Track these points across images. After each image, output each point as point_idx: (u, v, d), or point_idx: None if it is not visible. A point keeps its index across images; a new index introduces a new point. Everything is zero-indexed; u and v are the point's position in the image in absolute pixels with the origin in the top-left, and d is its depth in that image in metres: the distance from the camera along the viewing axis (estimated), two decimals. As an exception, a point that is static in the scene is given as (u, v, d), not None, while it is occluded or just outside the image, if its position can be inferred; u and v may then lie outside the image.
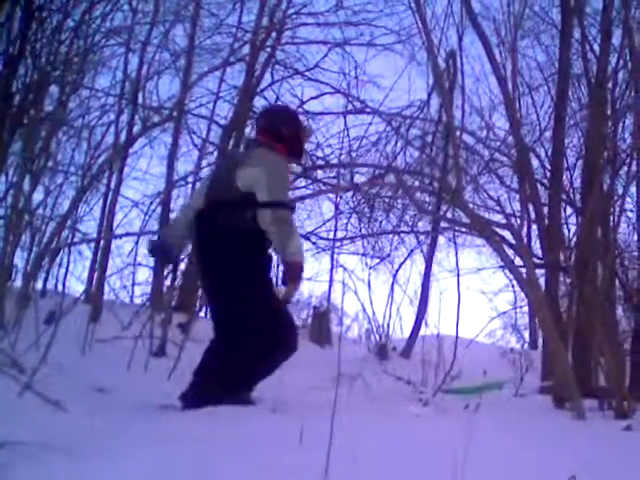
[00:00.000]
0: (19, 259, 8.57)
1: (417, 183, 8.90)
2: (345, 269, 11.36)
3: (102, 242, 9.30)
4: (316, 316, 12.19)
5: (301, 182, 11.03)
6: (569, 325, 6.40)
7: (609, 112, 7.74)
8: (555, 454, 3.18)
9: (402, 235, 10.85)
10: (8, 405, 3.33)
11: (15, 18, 8.14)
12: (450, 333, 7.81)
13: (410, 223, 10.61)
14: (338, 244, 11.18)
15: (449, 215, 9.16)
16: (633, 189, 9.38)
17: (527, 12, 11.26)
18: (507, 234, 7.22)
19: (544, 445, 3.44)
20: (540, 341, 12.70)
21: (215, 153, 11.08)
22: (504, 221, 8.23)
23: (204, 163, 10.83)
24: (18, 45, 8.09)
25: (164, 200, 10.07)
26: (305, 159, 11.12)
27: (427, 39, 6.25)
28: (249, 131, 10.88)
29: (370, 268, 11.24)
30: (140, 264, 10.46)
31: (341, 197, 10.53)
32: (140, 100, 9.90)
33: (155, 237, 6.70)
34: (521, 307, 14.83)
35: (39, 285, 9.27)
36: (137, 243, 9.89)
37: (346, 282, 10.92)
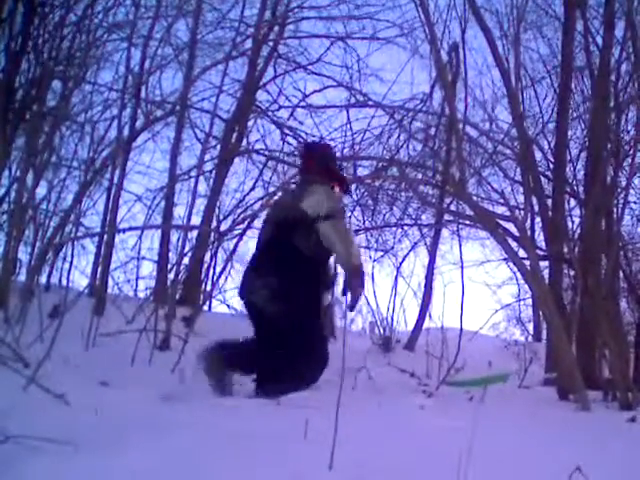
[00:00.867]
0: (23, 253, 8.61)
1: (420, 176, 8.89)
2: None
3: (105, 236, 9.29)
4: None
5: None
6: (573, 317, 6.41)
7: (612, 104, 7.72)
8: (560, 446, 3.18)
9: (406, 228, 10.82)
10: (13, 399, 3.33)
11: (17, 13, 8.14)
12: (454, 326, 7.82)
13: (414, 216, 10.59)
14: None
15: (453, 208, 9.16)
16: (637, 181, 9.36)
17: (530, 5, 11.15)
18: (511, 226, 7.23)
19: (549, 437, 3.44)
20: (544, 333, 12.68)
21: (218, 147, 11.06)
22: (508, 213, 8.22)
23: (207, 157, 10.80)
24: (21, 40, 8.10)
25: (167, 194, 10.07)
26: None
27: (430, 32, 6.24)
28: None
29: (374, 261, 11.22)
30: (144, 258, 10.45)
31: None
32: (143, 94, 9.91)
33: None
34: (525, 299, 14.79)
35: (43, 279, 9.29)
36: (140, 237, 9.88)
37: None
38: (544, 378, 7.25)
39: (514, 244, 6.66)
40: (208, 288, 11.07)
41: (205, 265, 10.67)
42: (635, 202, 9.63)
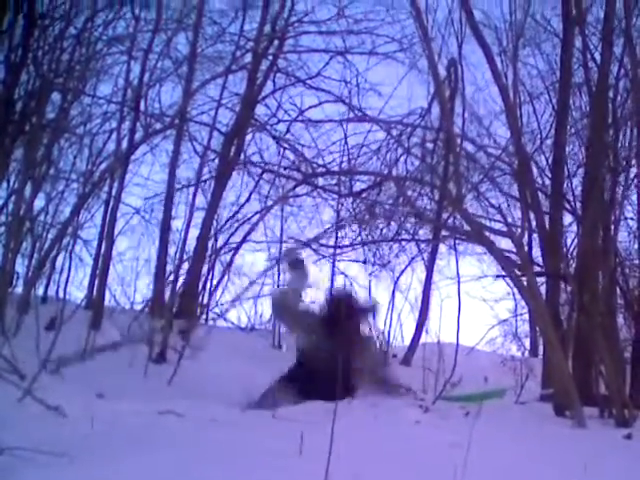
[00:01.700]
0: (20, 266, 8.59)
1: (418, 191, 8.90)
2: (346, 276, 11.37)
3: (103, 248, 9.27)
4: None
5: (302, 189, 11.05)
6: (569, 333, 6.40)
7: (610, 121, 7.74)
8: (555, 462, 3.18)
9: (403, 243, 10.82)
10: (9, 411, 3.33)
11: (17, 25, 8.16)
12: (451, 341, 7.81)
13: (411, 231, 10.59)
14: (339, 251, 11.16)
15: (450, 223, 9.16)
16: (634, 197, 9.36)
17: (528, 21, 11.24)
18: (508, 242, 7.24)
19: (544, 453, 3.44)
20: (541, 349, 12.65)
21: (216, 160, 11.07)
22: (505, 229, 8.22)
23: (205, 170, 10.82)
24: (20, 52, 8.10)
25: (165, 206, 10.06)
26: (306, 166, 11.17)
27: (428, 47, 6.27)
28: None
29: (371, 275, 11.22)
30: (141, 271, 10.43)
31: (342, 204, 10.53)
32: (142, 107, 9.90)
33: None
34: (522, 315, 14.75)
35: (40, 292, 9.26)
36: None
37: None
38: (540, 394, 7.23)
39: (511, 259, 6.67)
40: (205, 301, 11.06)
41: (202, 278, 10.66)
42: (632, 218, 9.63)
